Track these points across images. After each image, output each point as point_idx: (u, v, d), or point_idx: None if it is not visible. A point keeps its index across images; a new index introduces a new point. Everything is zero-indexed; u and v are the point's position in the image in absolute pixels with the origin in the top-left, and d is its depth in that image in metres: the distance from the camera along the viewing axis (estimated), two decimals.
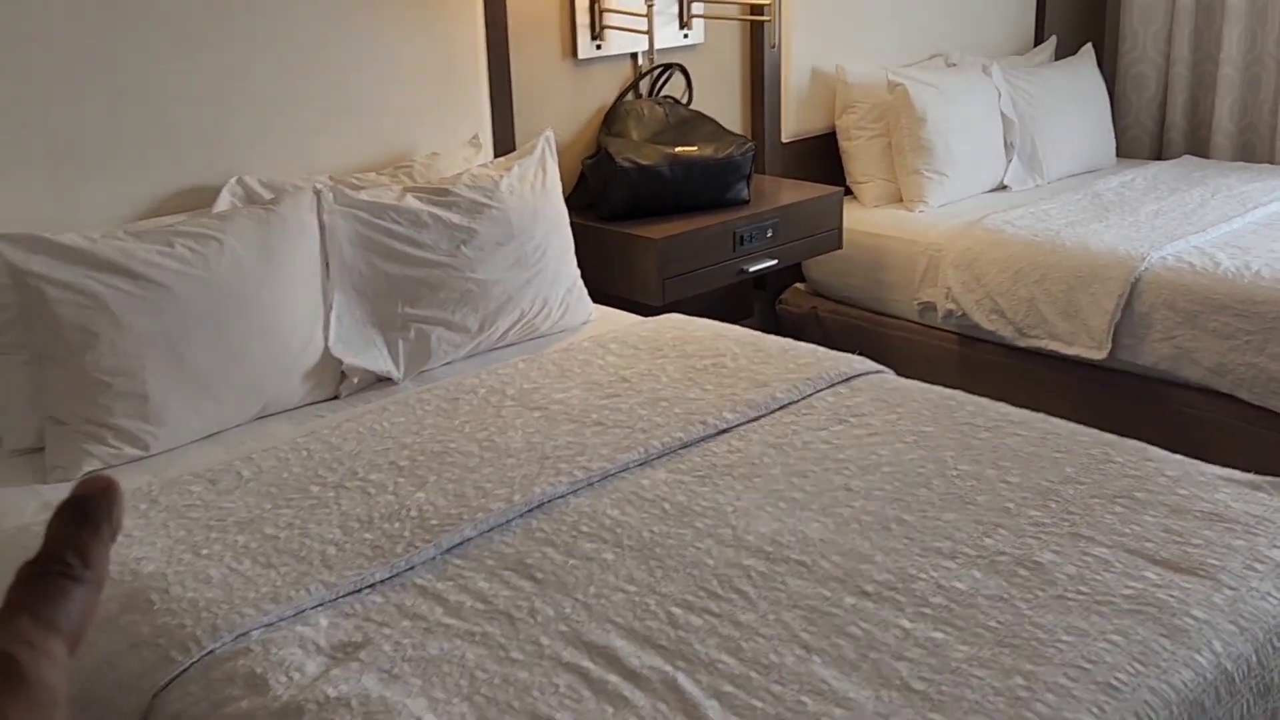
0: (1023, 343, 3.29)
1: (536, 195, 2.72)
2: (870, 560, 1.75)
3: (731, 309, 3.61)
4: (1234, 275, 3.00)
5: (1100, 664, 1.50)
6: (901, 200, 3.75)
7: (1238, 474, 1.98)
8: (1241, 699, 1.57)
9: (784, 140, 3.75)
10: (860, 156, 3.79)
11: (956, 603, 1.64)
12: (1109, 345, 3.10)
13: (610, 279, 3.06)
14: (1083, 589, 1.66)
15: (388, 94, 2.82)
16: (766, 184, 3.50)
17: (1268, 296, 2.91)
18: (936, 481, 1.98)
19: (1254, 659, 1.59)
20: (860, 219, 3.68)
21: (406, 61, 2.84)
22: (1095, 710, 1.43)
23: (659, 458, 2.11)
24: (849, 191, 3.83)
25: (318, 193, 2.48)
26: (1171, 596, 1.63)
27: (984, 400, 2.29)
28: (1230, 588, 1.66)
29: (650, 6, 3.02)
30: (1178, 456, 2.03)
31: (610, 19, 3.20)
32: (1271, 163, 4.26)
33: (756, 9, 3.39)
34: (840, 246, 3.44)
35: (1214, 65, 4.41)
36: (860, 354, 3.13)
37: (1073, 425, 2.16)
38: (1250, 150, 4.37)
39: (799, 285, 3.85)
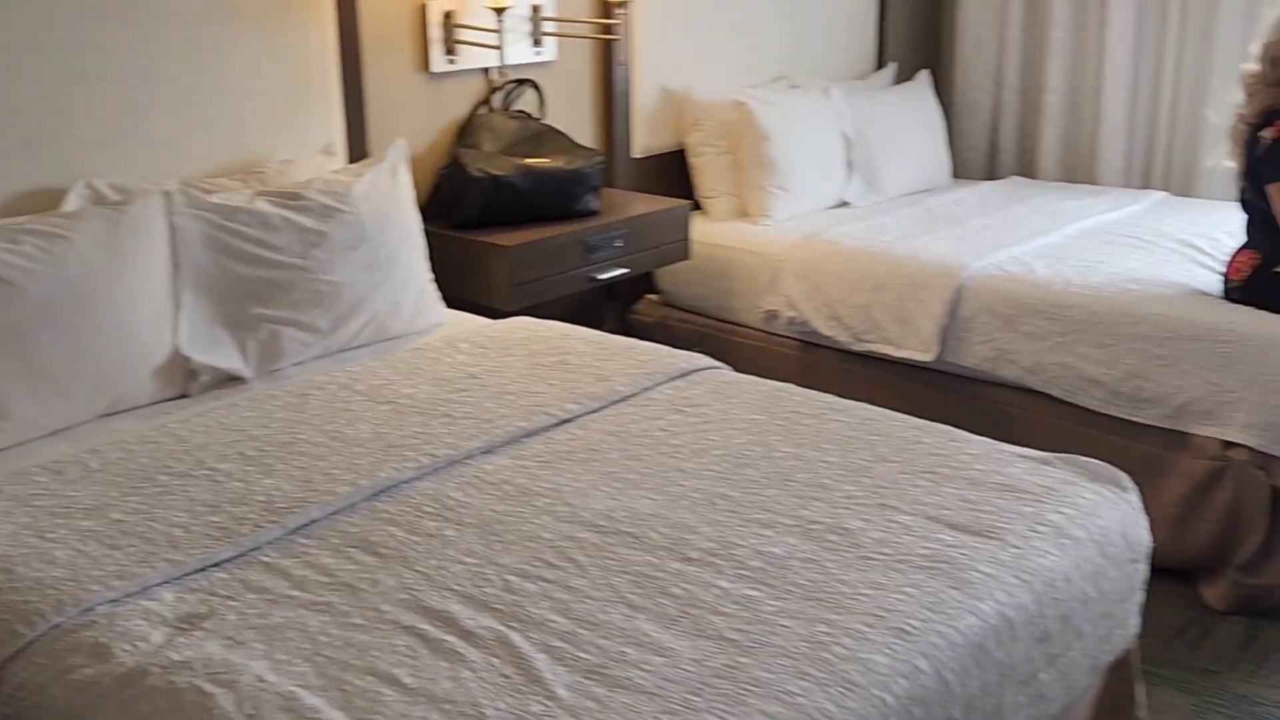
0: (858, 347, 3.47)
1: (388, 201, 2.81)
2: (696, 531, 1.88)
3: (584, 319, 3.71)
4: (1047, 282, 3.22)
5: (894, 612, 1.65)
6: (747, 214, 3.92)
7: (1032, 451, 2.16)
8: (1022, 643, 1.73)
9: (635, 155, 3.89)
10: (708, 172, 3.95)
11: (771, 565, 1.78)
12: (936, 348, 3.29)
13: (464, 285, 3.15)
14: (884, 550, 1.81)
15: (240, 102, 2.88)
16: (618, 197, 3.63)
17: (1076, 301, 3.13)
18: (762, 462, 2.12)
19: (1033, 608, 1.75)
20: (708, 232, 3.83)
21: (259, 70, 2.91)
22: (888, 651, 1.57)
23: (503, 445, 2.21)
24: (698, 206, 3.99)
25: (168, 195, 2.53)
26: (962, 555, 1.79)
27: (811, 391, 2.45)
28: (1015, 547, 1.83)
29: (501, 23, 3.14)
30: (980, 437, 2.21)
31: (462, 34, 3.31)
32: (1091, 183, 4.55)
33: (607, 28, 3.53)
34: (688, 257, 3.59)
35: (1040, 93, 4.69)
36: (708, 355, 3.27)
37: (889, 411, 2.33)
38: (1073, 171, 4.66)
39: (651, 296, 3.99)
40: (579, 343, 2.68)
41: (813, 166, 3.97)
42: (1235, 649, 2.73)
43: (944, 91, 4.92)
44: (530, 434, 2.25)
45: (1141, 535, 2.05)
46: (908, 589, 1.70)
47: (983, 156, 4.88)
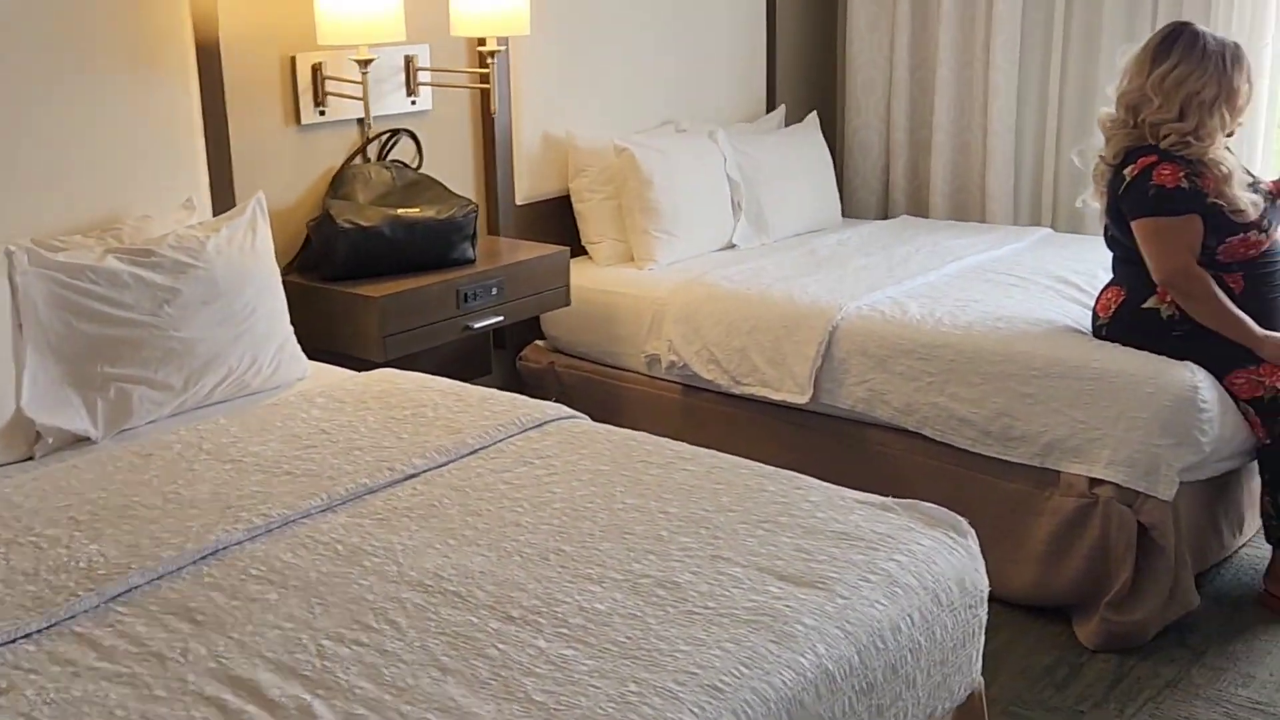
0: (737, 390, 3.47)
1: (245, 255, 2.77)
2: (522, 588, 1.85)
3: (469, 367, 3.70)
4: (919, 322, 3.24)
5: (709, 669, 1.63)
6: (633, 259, 3.92)
7: (874, 497, 2.16)
8: (843, 696, 1.71)
9: (518, 203, 3.88)
10: (592, 218, 3.95)
11: (593, 622, 1.75)
12: (811, 390, 3.30)
13: (334, 337, 3.12)
14: (710, 604, 1.79)
15: (97, 156, 2.84)
16: (500, 244, 3.62)
17: (947, 341, 3.15)
18: (601, 515, 2.10)
19: (856, 659, 1.74)
20: (593, 277, 3.83)
21: (119, 125, 2.86)
22: (696, 710, 1.55)
23: (342, 504, 2.18)
24: (584, 251, 3.99)
25: (9, 254, 2.48)
26: (787, 607, 1.78)
27: (663, 439, 2.43)
28: (843, 597, 1.82)
29: (365, 75, 3.12)
30: (823, 483, 2.20)
31: (332, 86, 3.29)
32: (982, 220, 4.60)
33: (484, 77, 3.52)
34: (568, 303, 3.57)
35: (929, 132, 4.74)
36: (592, 406, 3.26)
37: (737, 459, 2.32)
38: (963, 209, 4.71)
39: (538, 342, 3.97)
40: (437, 394, 2.65)
41: (698, 210, 3.98)
42: (1103, 688, 2.73)
43: (836, 132, 4.98)
44: (372, 491, 2.22)
45: (979, 580, 2.05)
46: (726, 644, 1.68)
47: (876, 196, 4.92)
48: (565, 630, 1.73)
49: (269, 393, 2.78)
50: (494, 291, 3.30)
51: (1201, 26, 3.04)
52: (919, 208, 4.81)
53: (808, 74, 4.99)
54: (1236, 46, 3.02)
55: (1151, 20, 4.24)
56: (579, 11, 3.96)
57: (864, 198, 4.92)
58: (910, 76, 4.77)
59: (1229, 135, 3.05)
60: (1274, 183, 3.12)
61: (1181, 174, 2.94)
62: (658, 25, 4.25)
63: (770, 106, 4.76)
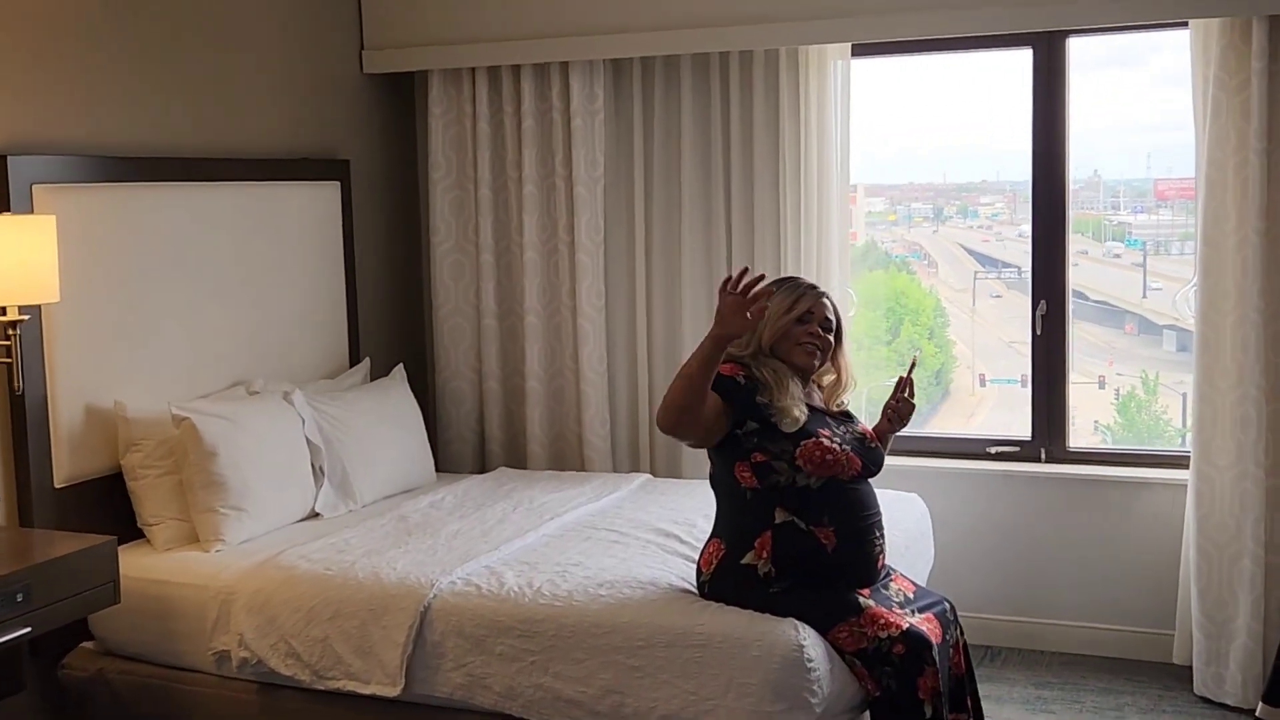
0: (321, 685, 3.08)
1: None
2: None
3: None
4: (517, 595, 3.00)
5: None
6: (198, 540, 3.48)
7: None
8: None
9: (58, 486, 3.37)
10: (149, 497, 3.49)
11: None
12: (403, 680, 2.96)
13: None
14: None
15: None
16: (32, 538, 3.12)
17: (548, 615, 2.92)
18: None
19: None
20: (150, 565, 3.36)
21: None
22: None
23: None
24: (142, 534, 3.51)
25: None
26: None
27: None
28: None
29: None
30: None
31: None
32: (580, 468, 4.46)
33: (5, 351, 3.06)
34: (118, 601, 3.07)
35: (522, 379, 4.61)
36: (152, 716, 2.76)
37: None
38: (561, 458, 4.57)
39: (86, 644, 3.42)
40: None
41: (272, 481, 3.60)
42: None
43: (427, 383, 4.77)
44: None
45: None
46: None
47: (471, 448, 4.71)
48: None
49: None
50: (19, 599, 2.78)
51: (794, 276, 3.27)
52: (517, 458, 4.63)
53: (393, 325, 4.78)
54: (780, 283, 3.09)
55: (727, 259, 4.35)
56: (128, 268, 3.57)
57: (459, 450, 4.70)
58: (499, 324, 4.65)
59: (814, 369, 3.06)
60: (872, 430, 3.15)
61: (741, 372, 2.92)
62: (223, 279, 3.91)
63: (354, 361, 4.48)
